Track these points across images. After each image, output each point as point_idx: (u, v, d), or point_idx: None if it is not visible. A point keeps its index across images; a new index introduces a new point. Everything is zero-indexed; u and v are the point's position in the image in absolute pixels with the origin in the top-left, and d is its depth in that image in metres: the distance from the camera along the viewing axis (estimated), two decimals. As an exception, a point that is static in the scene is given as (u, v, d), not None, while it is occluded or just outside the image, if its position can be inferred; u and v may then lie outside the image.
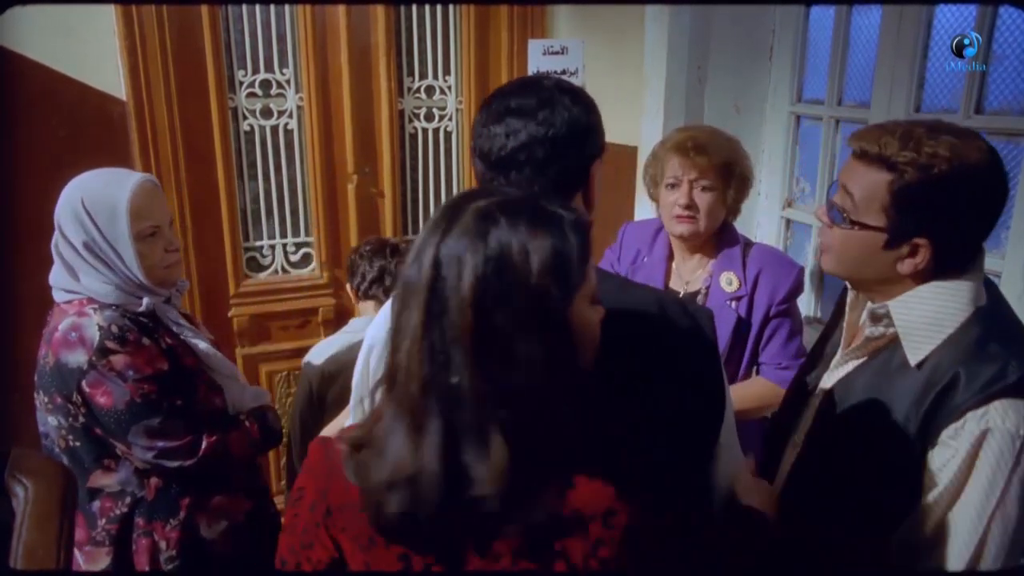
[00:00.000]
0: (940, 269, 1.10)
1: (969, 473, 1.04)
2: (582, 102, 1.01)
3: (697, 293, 1.76)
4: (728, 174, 1.68)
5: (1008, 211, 1.88)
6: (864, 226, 1.11)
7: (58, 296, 1.48)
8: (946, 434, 1.06)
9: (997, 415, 1.02)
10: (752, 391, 1.71)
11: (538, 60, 2.72)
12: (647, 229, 1.89)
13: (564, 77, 2.70)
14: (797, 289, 1.74)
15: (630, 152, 2.54)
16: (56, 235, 1.45)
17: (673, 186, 1.69)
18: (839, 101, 2.35)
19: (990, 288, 1.15)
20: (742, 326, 1.72)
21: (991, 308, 1.12)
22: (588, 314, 0.81)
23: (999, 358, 1.05)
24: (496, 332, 0.73)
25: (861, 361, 1.22)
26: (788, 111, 2.55)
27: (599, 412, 0.84)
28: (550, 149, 0.97)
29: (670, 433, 0.93)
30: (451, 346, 0.73)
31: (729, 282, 1.72)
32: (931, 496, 1.08)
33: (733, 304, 1.71)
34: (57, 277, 1.48)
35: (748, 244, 1.78)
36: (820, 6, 2.41)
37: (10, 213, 2.26)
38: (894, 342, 1.15)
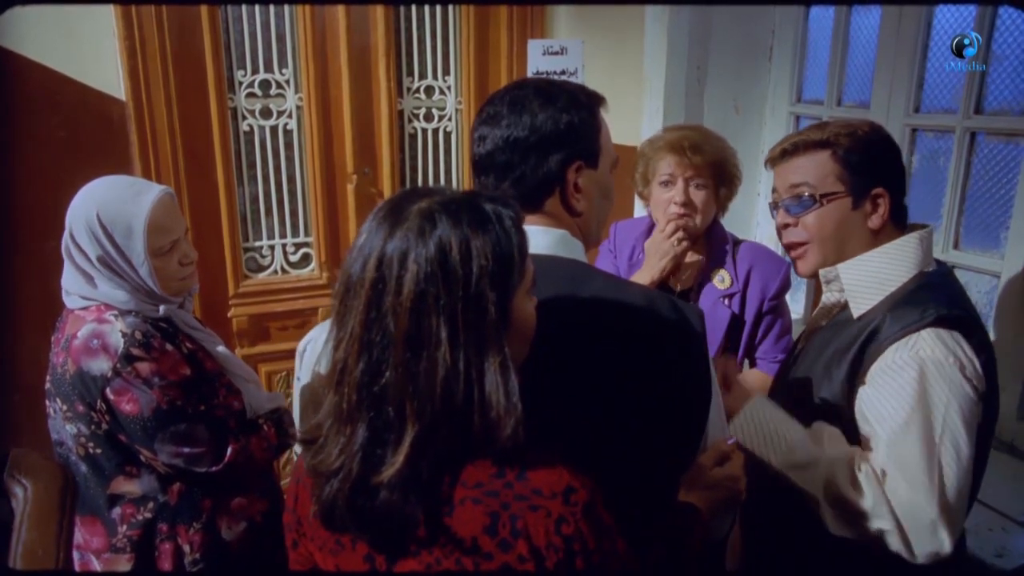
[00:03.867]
0: (897, 220, 1.25)
1: (910, 402, 1.11)
2: (558, 106, 0.99)
3: (690, 291, 1.77)
4: (719, 172, 1.70)
5: (1007, 211, 1.89)
6: (830, 196, 1.23)
7: (72, 302, 1.46)
8: (872, 372, 1.16)
9: (926, 346, 1.12)
10: (748, 383, 1.73)
11: (538, 60, 2.72)
12: (638, 227, 1.90)
13: (563, 77, 2.71)
14: (786, 284, 1.78)
15: (630, 152, 2.54)
16: (67, 240, 1.42)
17: (667, 184, 1.70)
18: (839, 101, 2.35)
19: (942, 265, 1.28)
20: (735, 322, 1.73)
21: (937, 274, 1.23)
22: (526, 307, 0.84)
23: (922, 303, 1.15)
24: (430, 336, 0.75)
25: (820, 326, 1.34)
26: (788, 111, 2.55)
27: (564, 399, 0.88)
28: (510, 155, 0.99)
29: (659, 424, 0.95)
30: (386, 347, 0.76)
31: (721, 280, 1.74)
32: (873, 428, 1.15)
33: (726, 301, 1.72)
34: (71, 283, 1.45)
35: (737, 241, 1.79)
36: (820, 6, 2.41)
37: (10, 213, 2.26)
38: (847, 307, 1.26)
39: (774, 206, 1.32)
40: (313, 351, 2.00)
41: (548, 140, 0.98)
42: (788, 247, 1.31)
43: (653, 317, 0.96)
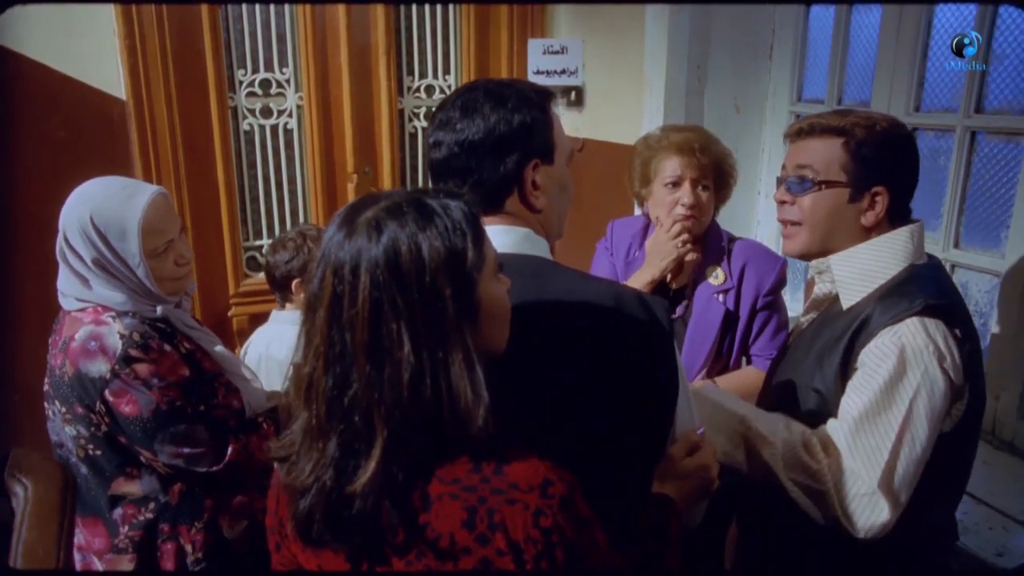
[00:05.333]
0: (893, 220, 1.25)
1: (881, 385, 1.15)
2: (508, 107, 1.00)
3: (684, 288, 1.77)
4: (720, 173, 1.70)
5: (1008, 211, 1.89)
6: (830, 183, 1.24)
7: (68, 304, 1.45)
8: (860, 357, 1.19)
9: (908, 332, 1.15)
10: (744, 380, 1.74)
11: (538, 60, 2.72)
12: (635, 225, 1.90)
13: (563, 77, 2.71)
14: (781, 281, 1.78)
15: (630, 152, 2.54)
16: (61, 243, 1.41)
17: (674, 184, 1.70)
18: (839, 101, 2.35)
19: (933, 259, 1.29)
20: (730, 318, 1.73)
21: (926, 267, 1.25)
22: (494, 288, 0.84)
23: (911, 294, 1.18)
24: (391, 342, 0.75)
25: (812, 316, 1.36)
26: (788, 111, 2.55)
27: (537, 392, 0.89)
28: (466, 159, 1.00)
29: (627, 418, 0.95)
30: (349, 359, 0.76)
31: (715, 276, 1.74)
32: (844, 404, 1.19)
33: (720, 297, 1.73)
34: (67, 284, 1.44)
35: (731, 239, 1.80)
36: (820, 6, 2.41)
37: (10, 213, 2.26)
38: (838, 299, 1.28)
39: (780, 181, 1.33)
40: (253, 354, 2.01)
41: (502, 141, 0.99)
42: (782, 223, 1.34)
43: (618, 312, 0.97)
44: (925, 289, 1.18)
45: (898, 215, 1.26)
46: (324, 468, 0.78)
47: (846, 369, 1.22)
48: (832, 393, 1.23)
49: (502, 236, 0.99)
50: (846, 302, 1.26)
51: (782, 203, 1.32)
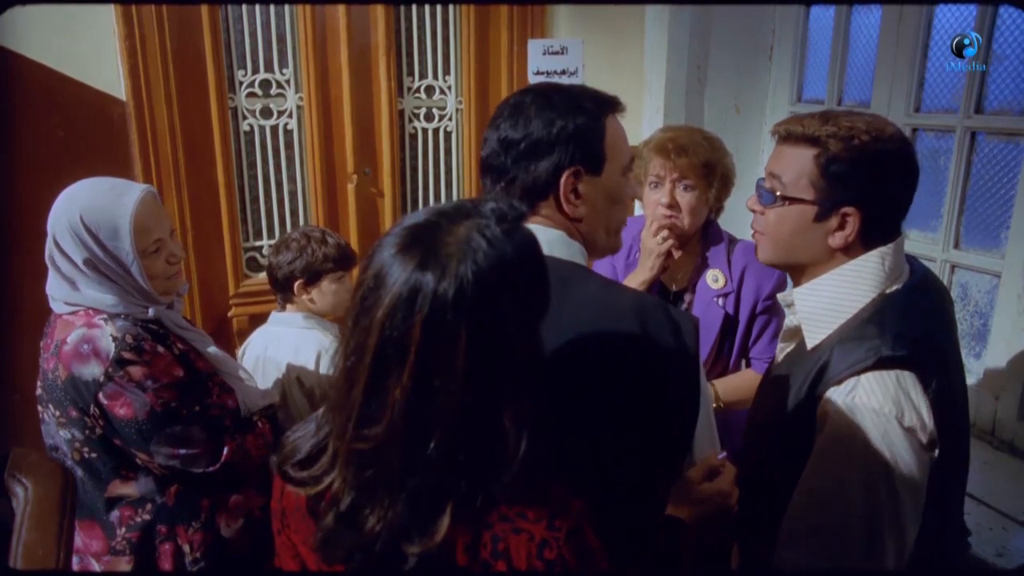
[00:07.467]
0: (868, 241, 1.13)
1: (831, 444, 1.06)
2: (554, 112, 0.98)
3: (684, 291, 1.77)
4: (709, 173, 1.69)
5: (1008, 211, 1.89)
6: (794, 200, 1.14)
7: (58, 308, 1.44)
8: (819, 437, 1.09)
9: (864, 392, 1.05)
10: (742, 383, 1.74)
11: (538, 60, 2.72)
12: (636, 226, 1.90)
13: (563, 77, 2.71)
14: (781, 285, 1.77)
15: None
16: (50, 247, 1.40)
17: (656, 185, 1.70)
18: (839, 101, 2.35)
19: (918, 274, 1.17)
20: (729, 322, 1.74)
21: (900, 294, 1.13)
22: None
23: (869, 338, 1.07)
24: (470, 393, 0.72)
25: (787, 347, 1.27)
26: (788, 111, 2.55)
27: (554, 415, 0.85)
28: (503, 158, 1.00)
29: (645, 438, 0.93)
30: (430, 413, 0.73)
31: (715, 279, 1.74)
32: (801, 485, 1.10)
33: (720, 301, 1.73)
34: (56, 288, 1.44)
35: (733, 241, 1.80)
36: (820, 6, 2.41)
37: (9, 213, 2.26)
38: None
39: (757, 186, 1.25)
40: (251, 355, 2.01)
41: (539, 145, 0.98)
42: (753, 229, 1.27)
43: (643, 327, 0.94)
44: (885, 332, 1.07)
45: (877, 235, 1.14)
46: (379, 520, 0.75)
47: (812, 421, 1.11)
48: (800, 447, 1.12)
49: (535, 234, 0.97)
50: (810, 341, 1.15)
51: (753, 211, 1.24)
